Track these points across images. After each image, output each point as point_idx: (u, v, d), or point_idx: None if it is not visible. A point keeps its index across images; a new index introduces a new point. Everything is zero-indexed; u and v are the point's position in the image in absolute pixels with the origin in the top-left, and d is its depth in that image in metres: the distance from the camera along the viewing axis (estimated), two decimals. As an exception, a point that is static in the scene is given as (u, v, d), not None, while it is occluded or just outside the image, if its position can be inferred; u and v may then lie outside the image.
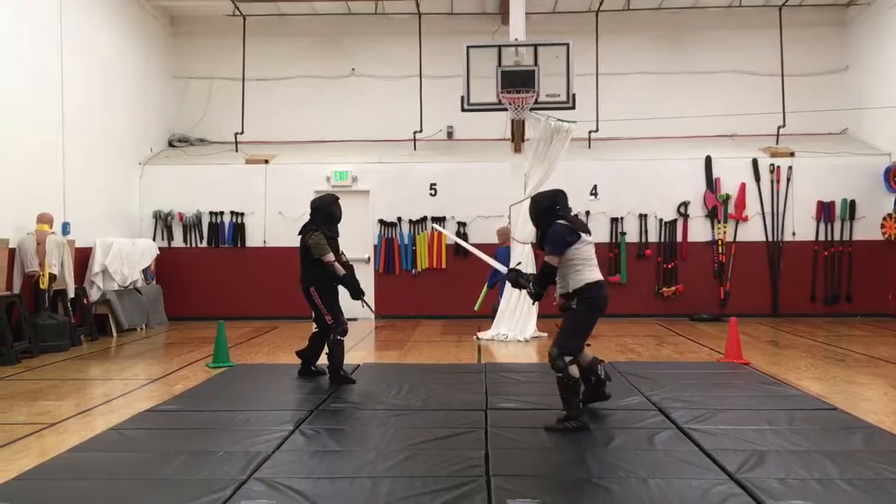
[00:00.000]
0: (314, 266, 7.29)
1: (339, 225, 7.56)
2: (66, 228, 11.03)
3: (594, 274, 5.57)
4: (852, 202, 13.63)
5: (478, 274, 12.60)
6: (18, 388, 7.50)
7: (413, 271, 13.81)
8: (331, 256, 7.21)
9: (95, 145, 12.28)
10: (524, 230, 11.19)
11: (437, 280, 13.81)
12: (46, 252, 10.00)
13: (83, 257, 11.59)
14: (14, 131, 10.07)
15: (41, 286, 10.02)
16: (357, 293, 7.36)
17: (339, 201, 7.59)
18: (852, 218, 13.65)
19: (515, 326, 10.98)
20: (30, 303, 10.01)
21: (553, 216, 5.66)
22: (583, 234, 5.59)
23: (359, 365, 8.30)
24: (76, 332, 10.69)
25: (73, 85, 11.49)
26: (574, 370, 5.45)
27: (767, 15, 14.70)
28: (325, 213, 7.41)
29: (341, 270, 7.26)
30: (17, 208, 10.01)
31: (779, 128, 14.30)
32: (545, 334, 11.16)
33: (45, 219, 10.20)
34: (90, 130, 12.06)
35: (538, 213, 5.80)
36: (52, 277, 10.12)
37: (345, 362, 7.44)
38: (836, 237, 13.69)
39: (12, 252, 9.85)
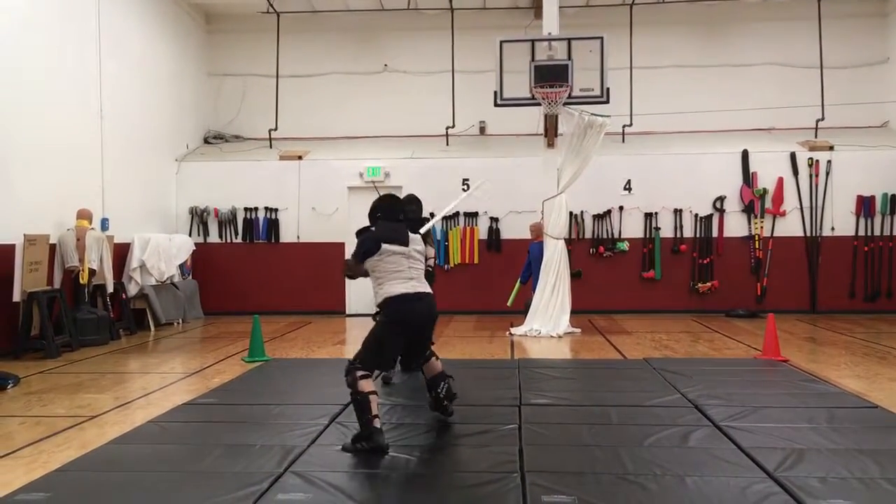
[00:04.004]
0: None
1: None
2: (105, 224, 11.23)
3: (397, 288, 5.15)
4: (893, 196, 13.36)
5: (510, 269, 12.61)
6: (59, 381, 7.65)
7: (445, 266, 13.80)
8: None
9: (133, 142, 12.47)
10: (557, 226, 11.14)
11: (469, 275, 13.81)
12: (86, 247, 10.18)
13: (121, 253, 11.79)
14: (54, 129, 10.26)
15: (81, 281, 10.20)
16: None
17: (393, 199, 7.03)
18: (893, 213, 13.39)
19: (548, 322, 10.93)
20: (70, 297, 10.20)
21: (372, 222, 5.45)
22: (385, 245, 5.19)
23: (392, 360, 8.31)
24: (115, 326, 10.89)
25: (111, 83, 11.68)
26: (363, 385, 4.93)
27: (805, 6, 14.45)
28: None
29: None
30: (58, 205, 10.21)
31: (817, 121, 14.07)
32: (578, 330, 11.11)
33: (84, 215, 10.38)
34: (128, 128, 12.24)
35: (369, 216, 5.52)
36: (92, 272, 10.30)
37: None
38: (877, 232, 13.43)
39: (53, 248, 10.04)
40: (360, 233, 5.51)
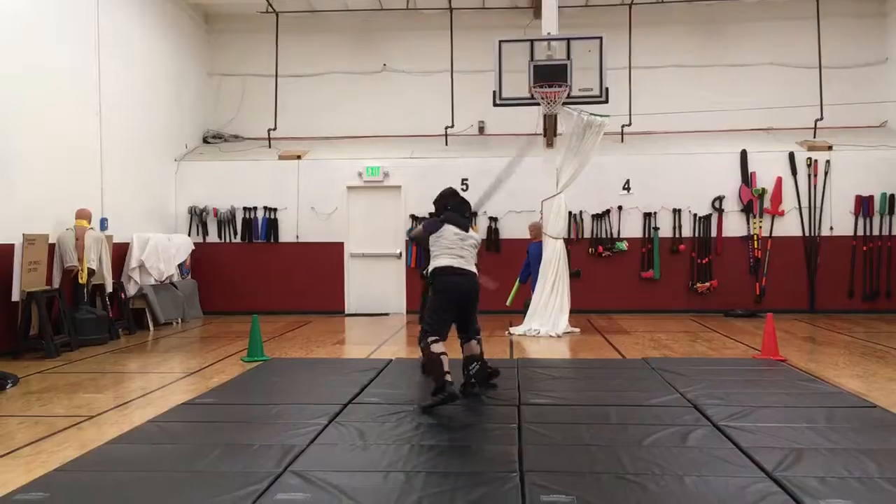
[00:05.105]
0: None
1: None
2: (104, 224, 11.23)
3: (444, 261, 6.32)
4: (891, 196, 13.37)
5: (509, 269, 12.59)
6: (59, 381, 7.64)
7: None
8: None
9: (132, 142, 12.47)
10: (556, 225, 11.15)
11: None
12: (85, 247, 10.18)
13: (121, 252, 11.78)
14: (53, 129, 10.25)
15: (80, 281, 10.20)
16: None
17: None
18: (891, 212, 13.40)
19: (547, 322, 10.94)
20: (69, 297, 10.19)
21: (440, 205, 6.68)
22: (447, 225, 6.42)
23: (391, 360, 8.32)
24: (114, 325, 10.88)
25: (111, 82, 11.67)
26: (434, 347, 6.06)
27: (804, 6, 14.46)
28: None
29: None
30: (57, 204, 10.21)
31: (816, 121, 14.08)
32: (577, 330, 11.12)
33: (83, 214, 10.37)
34: (127, 128, 12.24)
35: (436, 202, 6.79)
36: (91, 272, 10.29)
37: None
38: (875, 232, 13.45)
39: (52, 247, 10.04)
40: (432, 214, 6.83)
